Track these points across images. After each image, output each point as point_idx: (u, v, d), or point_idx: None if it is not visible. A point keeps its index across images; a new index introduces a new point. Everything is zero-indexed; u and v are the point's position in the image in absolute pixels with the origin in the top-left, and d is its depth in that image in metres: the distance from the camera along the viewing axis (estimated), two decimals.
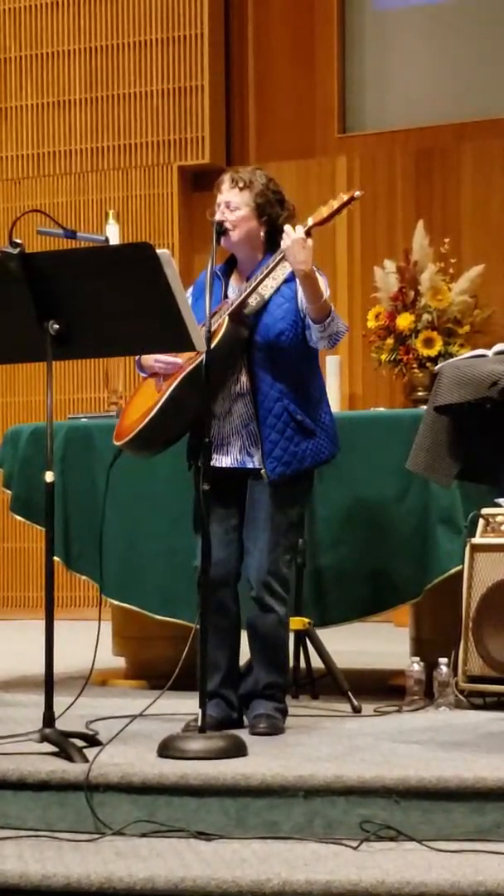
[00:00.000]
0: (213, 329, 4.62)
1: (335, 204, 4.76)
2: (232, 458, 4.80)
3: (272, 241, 4.83)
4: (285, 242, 4.64)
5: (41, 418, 9.07)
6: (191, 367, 4.70)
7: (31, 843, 3.96)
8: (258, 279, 4.76)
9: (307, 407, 4.81)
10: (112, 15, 10.10)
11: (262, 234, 4.83)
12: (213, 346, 4.57)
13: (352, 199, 4.77)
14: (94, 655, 4.72)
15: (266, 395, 4.76)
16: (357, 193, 4.80)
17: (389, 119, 9.77)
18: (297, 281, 4.70)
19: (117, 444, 4.86)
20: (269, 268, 4.76)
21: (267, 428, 4.75)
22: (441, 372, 4.83)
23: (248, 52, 10.03)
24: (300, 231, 4.64)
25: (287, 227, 4.67)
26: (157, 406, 4.74)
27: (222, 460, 4.79)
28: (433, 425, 4.81)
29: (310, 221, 4.72)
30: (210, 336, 4.48)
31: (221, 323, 4.67)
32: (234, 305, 4.73)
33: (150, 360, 4.83)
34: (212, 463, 4.68)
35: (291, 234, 4.63)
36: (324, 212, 4.76)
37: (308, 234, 4.65)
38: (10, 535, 10.02)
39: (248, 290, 4.75)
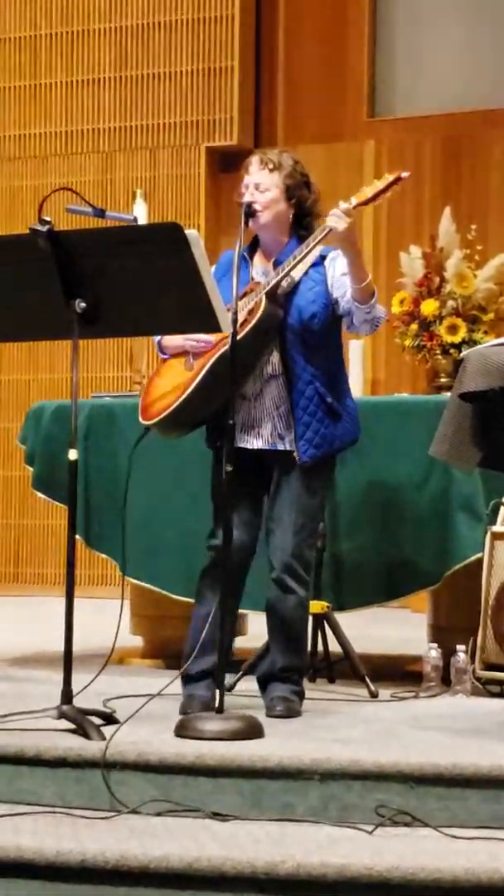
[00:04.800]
0: (250, 308, 4.61)
1: (380, 185, 4.68)
2: (263, 440, 4.79)
3: (299, 224, 4.81)
4: (335, 223, 4.56)
5: (62, 396, 9.11)
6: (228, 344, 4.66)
7: (46, 819, 3.98)
8: (297, 258, 4.68)
9: (335, 390, 4.80)
10: None
11: (290, 216, 4.81)
12: (253, 323, 4.57)
13: (398, 179, 4.66)
14: (116, 635, 4.72)
15: (299, 377, 4.74)
16: (404, 174, 4.69)
17: (419, 104, 9.73)
18: (344, 261, 4.62)
19: (147, 422, 4.79)
20: (310, 246, 4.68)
21: (300, 410, 4.74)
22: (466, 359, 4.81)
23: (278, 34, 10.00)
24: (346, 210, 4.55)
25: (335, 210, 4.58)
26: (195, 383, 4.68)
27: (253, 442, 4.78)
28: (457, 412, 4.79)
29: (353, 201, 4.64)
30: (236, 318, 4.46)
31: (259, 301, 4.64)
32: (272, 285, 4.68)
33: (177, 339, 4.79)
34: (242, 444, 4.69)
35: (343, 217, 4.58)
36: (367, 192, 4.68)
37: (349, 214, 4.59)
38: (28, 511, 10.05)
39: (289, 268, 4.68)
